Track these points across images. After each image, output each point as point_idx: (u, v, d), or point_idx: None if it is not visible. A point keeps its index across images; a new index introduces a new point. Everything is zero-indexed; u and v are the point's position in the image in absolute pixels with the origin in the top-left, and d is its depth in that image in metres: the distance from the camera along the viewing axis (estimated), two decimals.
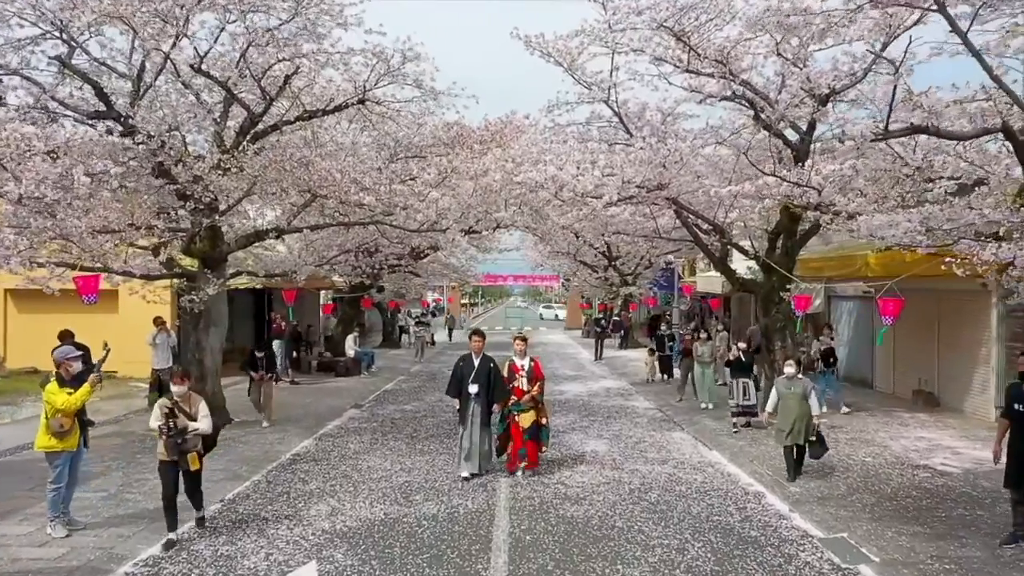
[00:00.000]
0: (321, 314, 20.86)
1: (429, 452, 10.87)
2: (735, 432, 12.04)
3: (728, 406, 12.59)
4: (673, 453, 11.01)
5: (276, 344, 18.16)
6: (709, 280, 25.18)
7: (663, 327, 20.67)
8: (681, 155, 12.44)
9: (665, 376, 19.03)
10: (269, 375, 13.23)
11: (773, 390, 9.27)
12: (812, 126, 11.73)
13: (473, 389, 9.10)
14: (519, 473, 9.25)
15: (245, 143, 10.92)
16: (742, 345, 13.05)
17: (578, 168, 11.45)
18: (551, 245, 26.53)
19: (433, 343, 33.11)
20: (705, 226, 14.99)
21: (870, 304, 17.90)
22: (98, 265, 9.34)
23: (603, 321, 27.29)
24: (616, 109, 13.46)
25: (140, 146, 9.96)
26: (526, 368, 9.34)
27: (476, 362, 9.26)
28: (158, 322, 13.74)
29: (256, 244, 14.79)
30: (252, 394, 13.22)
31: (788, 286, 13.30)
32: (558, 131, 13.71)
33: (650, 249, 21.62)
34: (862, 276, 13.18)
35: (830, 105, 11.44)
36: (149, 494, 8.34)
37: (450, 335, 36.91)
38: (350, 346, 20.68)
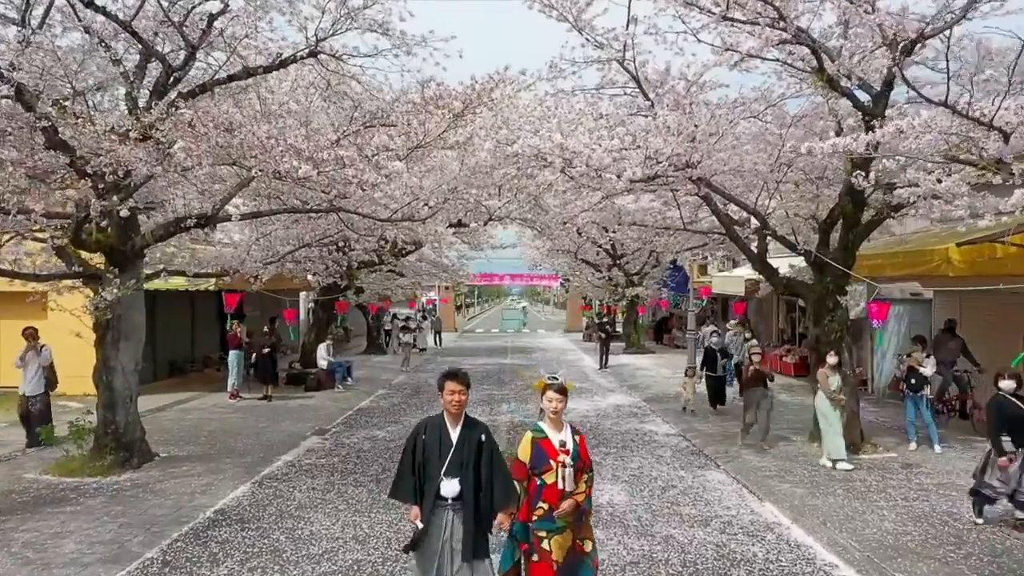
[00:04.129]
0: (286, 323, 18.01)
1: (396, 506, 8.28)
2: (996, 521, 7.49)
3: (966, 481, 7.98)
4: (715, 507, 8.46)
5: (233, 356, 15.58)
6: (725, 281, 22.66)
7: (714, 337, 15.83)
8: (718, 125, 9.96)
9: (717, 406, 14.59)
10: None
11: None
12: (889, 83, 9.17)
13: (450, 488, 4.62)
14: None
15: (160, 106, 8.33)
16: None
17: (591, 136, 8.92)
18: (552, 241, 23.96)
19: (424, 349, 30.62)
20: (738, 216, 12.49)
21: (926, 308, 15.45)
22: None
23: (608, 325, 24.68)
24: (634, 72, 10.93)
25: (3, 101, 7.41)
26: (570, 448, 4.85)
27: (454, 434, 4.74)
28: (27, 334, 10.69)
29: (189, 237, 12.30)
30: None
31: (848, 288, 10.82)
32: (562, 99, 11.19)
33: (667, 245, 19.04)
34: (941, 275, 10.65)
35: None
36: None
37: (438, 339, 34.30)
38: (322, 356, 18.10)
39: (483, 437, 4.78)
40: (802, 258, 12.20)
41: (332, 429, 13.13)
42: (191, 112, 7.47)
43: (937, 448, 10.60)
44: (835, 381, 10.23)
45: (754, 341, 15.26)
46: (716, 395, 14.64)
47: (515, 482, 4.78)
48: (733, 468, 10.19)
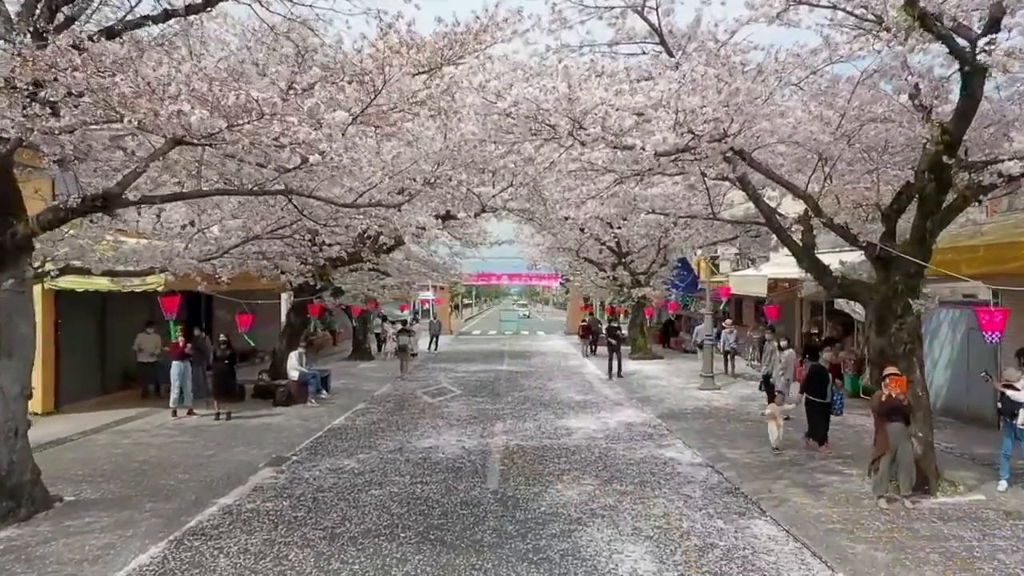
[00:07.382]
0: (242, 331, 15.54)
1: None
2: None
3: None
4: None
5: (176, 367, 13.42)
6: (744, 280, 20.51)
7: (826, 350, 11.88)
8: (765, 84, 7.90)
9: (823, 445, 11.07)
10: None
11: None
12: (995, 23, 7.05)
13: None
14: None
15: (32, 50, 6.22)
16: None
17: (607, 91, 6.83)
18: (553, 236, 21.85)
19: (415, 354, 28.46)
20: (776, 201, 10.40)
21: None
22: None
23: (619, 330, 22.48)
24: (656, 24, 8.88)
25: None
26: None
27: None
28: None
29: (132, 229, 10.21)
30: None
31: (926, 290, 8.76)
32: (567, 56, 9.11)
33: (688, 239, 16.88)
34: None
35: None
36: None
37: (434, 343, 32.10)
38: (293, 366, 15.96)
39: None
40: (853, 253, 10.17)
41: (292, 457, 11.00)
42: (57, 46, 5.36)
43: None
44: None
45: (790, 351, 13.11)
46: (819, 428, 11.22)
47: None
48: (783, 516, 8.08)
